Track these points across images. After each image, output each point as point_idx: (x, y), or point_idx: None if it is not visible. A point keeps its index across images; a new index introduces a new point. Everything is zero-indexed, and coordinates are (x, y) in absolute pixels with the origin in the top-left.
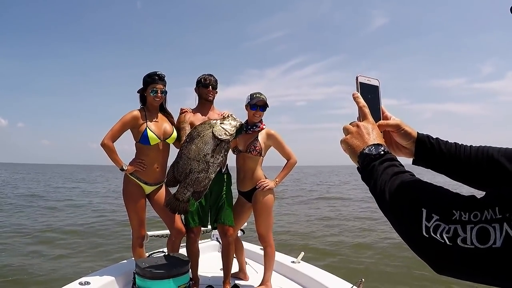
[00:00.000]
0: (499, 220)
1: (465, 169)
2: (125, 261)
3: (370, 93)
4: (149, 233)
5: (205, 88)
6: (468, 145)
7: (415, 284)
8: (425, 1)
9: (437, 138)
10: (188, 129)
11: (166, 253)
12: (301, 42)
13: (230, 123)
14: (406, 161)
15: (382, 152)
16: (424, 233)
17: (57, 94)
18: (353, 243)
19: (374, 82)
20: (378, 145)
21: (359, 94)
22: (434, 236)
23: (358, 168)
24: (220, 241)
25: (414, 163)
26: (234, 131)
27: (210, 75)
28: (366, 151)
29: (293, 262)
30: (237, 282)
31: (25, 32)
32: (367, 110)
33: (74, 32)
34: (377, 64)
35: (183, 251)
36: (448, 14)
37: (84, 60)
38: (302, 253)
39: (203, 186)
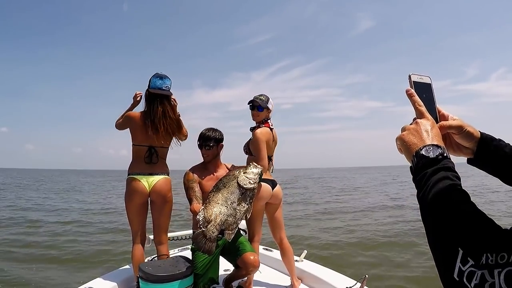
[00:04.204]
0: None
1: None
2: (128, 266)
3: (424, 92)
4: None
5: (200, 147)
6: None
7: (418, 282)
8: (411, 4)
9: (499, 140)
10: (197, 189)
11: (169, 256)
12: (286, 45)
13: (252, 172)
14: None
15: (440, 156)
16: (455, 276)
17: (42, 98)
18: (356, 240)
19: (426, 80)
20: (437, 146)
21: (413, 91)
22: (465, 282)
23: (410, 168)
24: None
25: (469, 162)
26: (258, 179)
27: (209, 130)
28: (423, 151)
29: (296, 261)
30: (240, 282)
31: (10, 39)
32: (423, 109)
33: (59, 38)
34: (362, 66)
35: (186, 253)
36: (433, 17)
37: (69, 65)
38: (305, 252)
39: (231, 229)
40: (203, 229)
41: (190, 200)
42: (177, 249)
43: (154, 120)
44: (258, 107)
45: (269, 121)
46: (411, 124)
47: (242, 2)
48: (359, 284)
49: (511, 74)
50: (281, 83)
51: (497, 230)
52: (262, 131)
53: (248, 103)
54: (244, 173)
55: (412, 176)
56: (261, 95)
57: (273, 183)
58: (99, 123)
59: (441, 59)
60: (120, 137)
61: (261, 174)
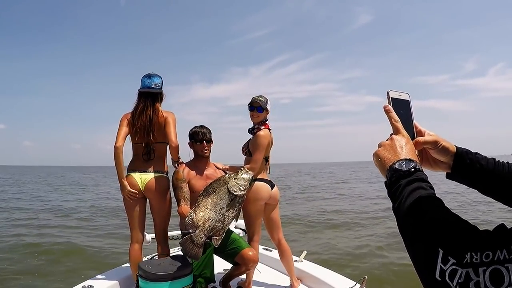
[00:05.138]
0: None
1: (505, 188)
2: (128, 264)
3: (401, 108)
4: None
5: (199, 143)
6: (506, 162)
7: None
8: None
9: (476, 153)
10: (186, 190)
11: (169, 255)
12: (285, 40)
13: (243, 178)
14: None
15: (413, 169)
16: (437, 277)
17: (39, 95)
18: (356, 241)
19: (404, 97)
20: (410, 160)
21: (390, 107)
22: (447, 281)
23: (385, 183)
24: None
25: (448, 177)
26: (248, 185)
27: (202, 127)
28: (396, 165)
29: (296, 261)
30: (240, 282)
31: (5, 34)
32: (399, 125)
33: (56, 32)
34: (360, 61)
35: None
36: (431, 11)
37: (66, 60)
38: (305, 252)
39: (219, 235)
40: (191, 234)
41: (178, 201)
42: (176, 248)
43: (137, 116)
44: (258, 108)
45: (267, 122)
46: (386, 140)
47: None
48: (358, 285)
49: (509, 69)
50: (279, 78)
51: (475, 230)
52: (265, 134)
53: (248, 105)
54: (234, 178)
55: (387, 191)
56: (260, 96)
57: (271, 184)
58: (97, 119)
59: (439, 54)
60: None
61: (251, 180)
